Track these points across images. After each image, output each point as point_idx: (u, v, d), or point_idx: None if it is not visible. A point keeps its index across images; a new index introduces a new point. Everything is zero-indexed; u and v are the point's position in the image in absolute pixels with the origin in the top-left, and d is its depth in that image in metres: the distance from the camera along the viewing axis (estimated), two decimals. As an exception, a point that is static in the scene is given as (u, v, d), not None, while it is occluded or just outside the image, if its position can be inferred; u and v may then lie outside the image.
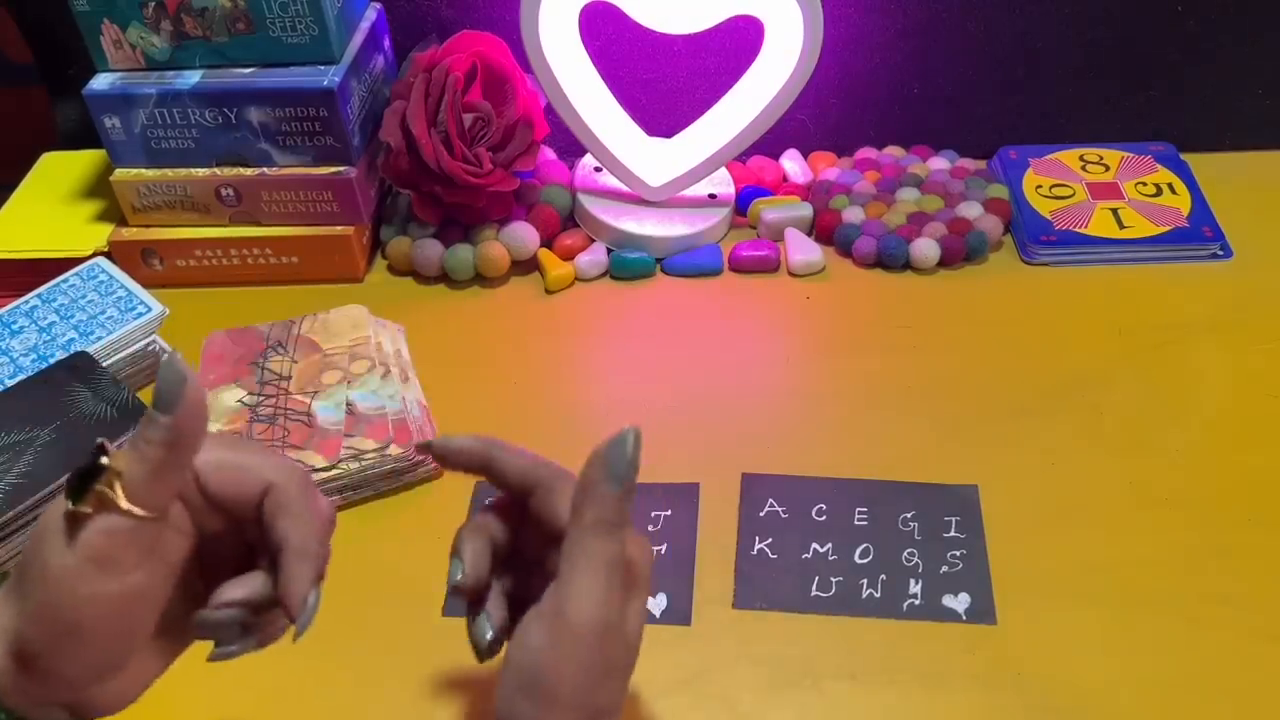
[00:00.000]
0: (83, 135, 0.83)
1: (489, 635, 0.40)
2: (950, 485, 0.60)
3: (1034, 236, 0.75)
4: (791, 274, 0.76)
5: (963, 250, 0.74)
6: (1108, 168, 0.81)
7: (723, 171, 0.80)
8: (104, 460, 0.32)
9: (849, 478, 0.60)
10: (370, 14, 0.78)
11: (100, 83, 0.72)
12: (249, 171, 0.74)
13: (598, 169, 0.80)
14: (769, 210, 0.78)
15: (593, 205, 0.78)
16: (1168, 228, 0.75)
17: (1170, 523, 0.57)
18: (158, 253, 0.76)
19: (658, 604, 0.55)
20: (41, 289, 0.72)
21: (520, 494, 0.42)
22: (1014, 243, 0.77)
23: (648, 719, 0.50)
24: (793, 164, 0.83)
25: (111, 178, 0.75)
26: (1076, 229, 0.76)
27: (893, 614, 0.54)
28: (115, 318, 0.69)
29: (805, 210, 0.78)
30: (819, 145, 0.85)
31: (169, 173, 0.74)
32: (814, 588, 0.55)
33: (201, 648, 0.37)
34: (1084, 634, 0.52)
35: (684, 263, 0.76)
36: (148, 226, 0.76)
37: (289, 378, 0.64)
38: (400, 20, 0.81)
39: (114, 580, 0.33)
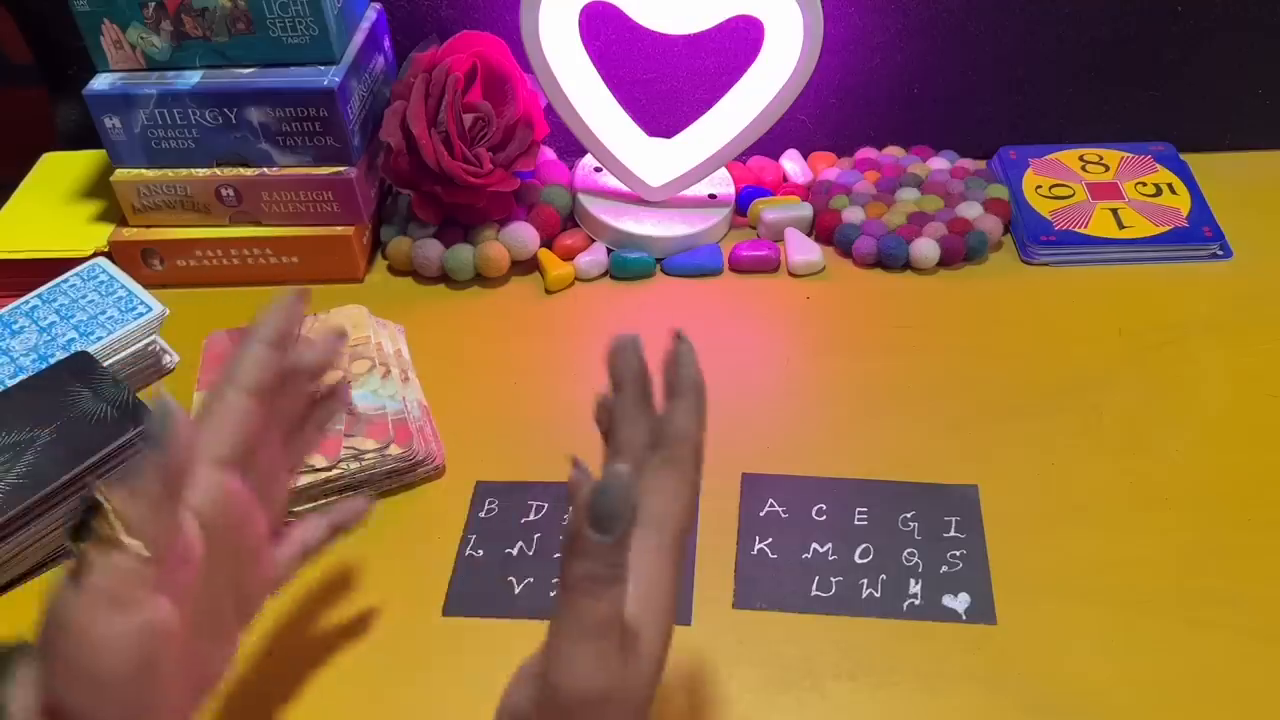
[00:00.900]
0: (83, 135, 0.83)
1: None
2: (950, 485, 0.60)
3: (1034, 236, 0.75)
4: (791, 274, 0.76)
5: (963, 250, 0.74)
6: (1107, 168, 0.81)
7: (723, 171, 0.80)
8: (99, 498, 0.33)
9: (849, 478, 0.61)
10: (370, 14, 0.78)
11: (100, 83, 0.72)
12: (249, 172, 0.74)
13: (598, 169, 0.80)
14: (769, 210, 0.78)
15: (593, 205, 0.78)
16: (1167, 228, 0.75)
17: (1170, 523, 0.57)
18: (158, 253, 0.76)
19: (658, 604, 0.55)
20: (42, 289, 0.72)
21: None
22: (1014, 243, 0.77)
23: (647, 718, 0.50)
24: (793, 164, 0.83)
25: (112, 178, 0.75)
26: (1076, 229, 0.76)
27: (893, 614, 0.54)
28: (115, 318, 0.69)
29: (805, 210, 0.78)
30: (819, 145, 0.85)
31: (169, 173, 0.74)
32: (814, 588, 0.55)
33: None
34: (1084, 634, 0.52)
35: (684, 263, 0.76)
36: (148, 227, 0.76)
37: (289, 378, 0.64)
38: (400, 20, 0.81)
39: (126, 619, 0.33)
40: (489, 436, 0.64)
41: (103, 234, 0.76)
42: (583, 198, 0.78)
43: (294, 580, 0.47)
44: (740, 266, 0.76)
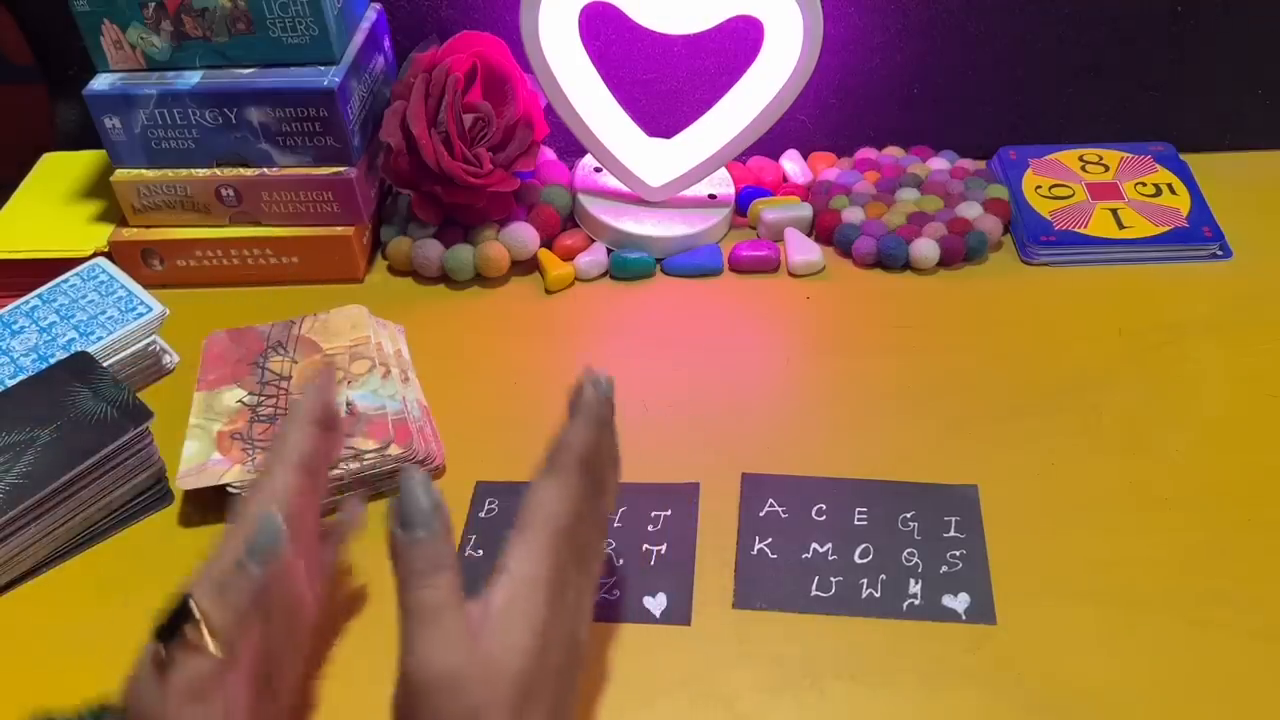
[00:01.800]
0: (83, 135, 0.83)
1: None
2: (950, 485, 0.60)
3: (1034, 237, 0.75)
4: (791, 274, 0.76)
5: (962, 250, 0.74)
6: (1107, 168, 0.81)
7: (723, 171, 0.80)
8: (191, 606, 0.36)
9: (849, 478, 0.61)
10: (370, 14, 0.78)
11: (100, 83, 0.72)
12: (249, 172, 0.74)
13: (598, 169, 0.80)
14: (769, 210, 0.78)
15: (593, 205, 0.78)
16: (1167, 228, 0.75)
17: (1170, 523, 0.57)
18: (158, 253, 0.76)
19: (657, 604, 0.55)
20: (42, 289, 0.72)
21: None
22: (1014, 243, 0.77)
23: (647, 719, 0.50)
24: (793, 164, 0.83)
25: (112, 178, 0.75)
26: (1076, 229, 0.76)
27: (892, 614, 0.54)
28: (115, 318, 0.69)
29: (805, 210, 0.78)
30: (819, 145, 0.85)
31: (169, 173, 0.74)
32: (814, 587, 0.55)
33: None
34: (1084, 634, 0.52)
35: (684, 263, 0.76)
36: (148, 227, 0.76)
37: (289, 378, 0.65)
38: (400, 20, 0.81)
39: (207, 708, 0.36)
40: (489, 436, 0.64)
41: (103, 234, 0.76)
42: (583, 198, 0.78)
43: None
44: (740, 267, 0.76)
